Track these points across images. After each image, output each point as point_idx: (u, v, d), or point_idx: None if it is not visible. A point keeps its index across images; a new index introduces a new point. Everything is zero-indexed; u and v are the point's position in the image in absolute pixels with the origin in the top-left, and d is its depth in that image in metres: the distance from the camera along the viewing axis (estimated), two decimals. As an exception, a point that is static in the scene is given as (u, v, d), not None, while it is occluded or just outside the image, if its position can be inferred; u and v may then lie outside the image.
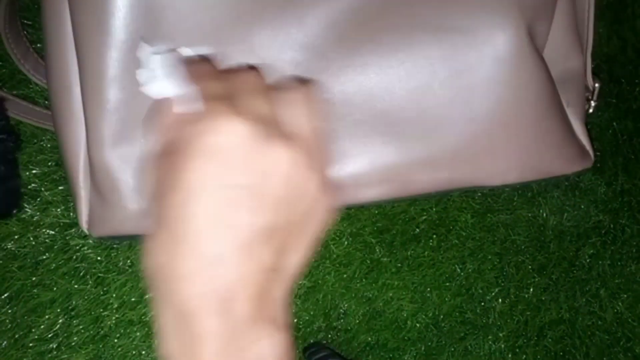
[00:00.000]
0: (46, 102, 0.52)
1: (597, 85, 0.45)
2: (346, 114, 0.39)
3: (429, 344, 0.60)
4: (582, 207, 0.63)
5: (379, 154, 0.40)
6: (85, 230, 0.41)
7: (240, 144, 0.27)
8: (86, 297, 0.54)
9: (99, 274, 0.54)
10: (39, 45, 0.52)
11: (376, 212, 0.59)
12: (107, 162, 0.38)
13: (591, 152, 0.45)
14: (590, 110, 0.46)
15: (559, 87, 0.42)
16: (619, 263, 0.64)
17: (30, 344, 0.53)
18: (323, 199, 0.29)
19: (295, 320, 0.57)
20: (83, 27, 0.36)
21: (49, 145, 0.52)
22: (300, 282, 0.57)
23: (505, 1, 0.38)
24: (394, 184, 0.41)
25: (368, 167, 0.40)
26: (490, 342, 0.62)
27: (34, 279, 0.53)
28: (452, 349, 0.61)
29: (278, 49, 0.37)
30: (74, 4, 0.36)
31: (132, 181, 0.38)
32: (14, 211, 0.52)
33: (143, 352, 0.55)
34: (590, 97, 0.45)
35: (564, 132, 0.43)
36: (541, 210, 0.63)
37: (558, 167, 0.44)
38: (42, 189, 0.53)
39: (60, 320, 0.53)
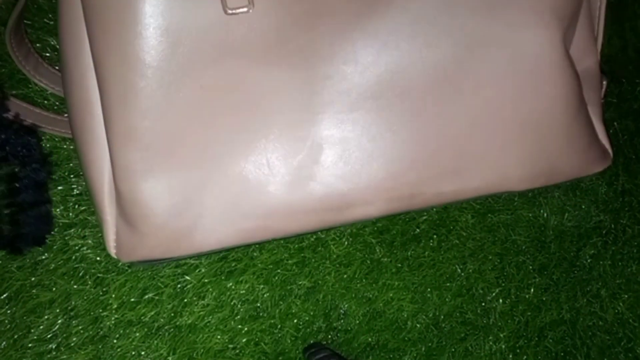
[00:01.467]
0: (45, 102, 0.52)
1: (604, 82, 0.45)
2: (377, 132, 0.39)
3: (430, 344, 0.60)
4: (583, 207, 0.63)
5: (408, 168, 0.40)
6: (114, 256, 0.40)
7: None
8: (85, 298, 0.54)
9: (99, 274, 0.54)
10: (38, 45, 0.52)
11: (376, 212, 0.58)
12: (137, 196, 0.37)
13: (610, 151, 0.46)
14: None
15: None
16: (620, 263, 0.64)
17: (30, 345, 0.53)
18: None
19: (295, 321, 0.57)
20: (106, 56, 0.36)
21: (48, 145, 0.52)
22: (300, 282, 0.57)
23: (543, 13, 0.38)
24: (424, 196, 0.41)
25: (398, 182, 0.40)
26: (490, 343, 0.62)
27: (33, 279, 0.53)
28: (453, 350, 0.61)
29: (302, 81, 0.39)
30: (93, 34, 0.36)
31: (164, 213, 0.37)
32: (47, 237, 0.51)
33: (142, 353, 0.55)
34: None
35: (589, 135, 0.43)
36: (542, 211, 0.62)
37: (582, 169, 0.44)
38: (42, 189, 0.52)
39: (60, 321, 0.53)
